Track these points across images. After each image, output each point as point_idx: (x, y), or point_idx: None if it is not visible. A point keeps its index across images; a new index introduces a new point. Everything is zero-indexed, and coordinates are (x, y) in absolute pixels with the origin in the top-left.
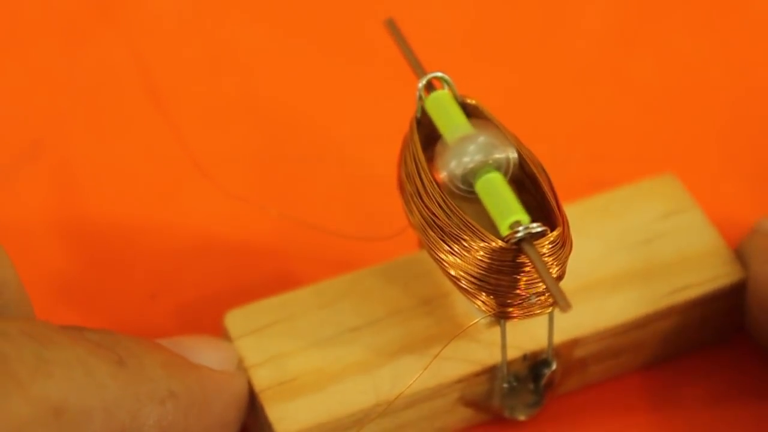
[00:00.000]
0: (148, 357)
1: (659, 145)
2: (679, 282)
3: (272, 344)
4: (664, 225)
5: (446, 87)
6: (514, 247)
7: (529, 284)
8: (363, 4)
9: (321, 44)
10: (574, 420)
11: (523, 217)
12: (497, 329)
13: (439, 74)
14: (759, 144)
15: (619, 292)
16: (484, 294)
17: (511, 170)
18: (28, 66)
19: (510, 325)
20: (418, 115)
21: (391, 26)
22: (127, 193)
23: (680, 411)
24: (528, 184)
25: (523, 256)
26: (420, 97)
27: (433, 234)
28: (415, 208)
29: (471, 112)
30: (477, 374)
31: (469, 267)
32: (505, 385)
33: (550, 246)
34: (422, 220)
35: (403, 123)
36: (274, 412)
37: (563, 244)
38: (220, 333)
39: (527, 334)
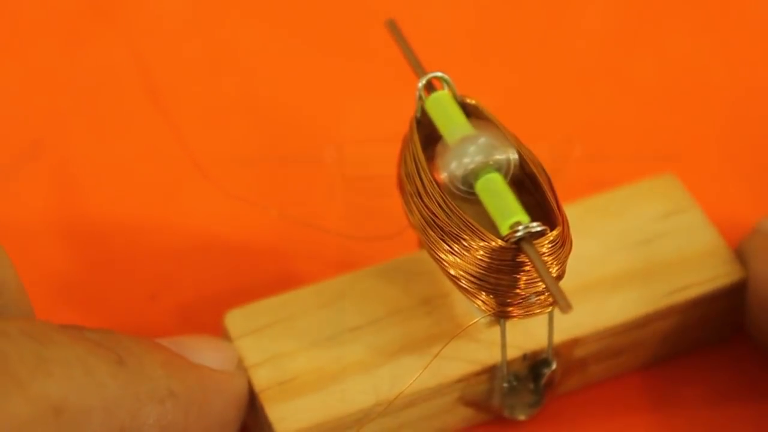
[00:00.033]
0: (148, 356)
1: (659, 145)
2: (679, 282)
3: (272, 344)
4: (664, 225)
5: (446, 87)
6: (513, 246)
7: (529, 283)
8: (363, 4)
9: (321, 44)
10: (574, 420)
11: (523, 217)
12: (497, 329)
13: (439, 74)
14: (759, 144)
15: (619, 291)
16: (483, 293)
17: (511, 171)
18: (28, 66)
19: (510, 325)
20: (418, 115)
21: (392, 26)
22: (127, 193)
23: (680, 411)
24: (528, 184)
25: (522, 256)
26: (420, 97)
27: (432, 233)
28: (414, 208)
29: (471, 112)
30: (477, 374)
31: (469, 266)
32: (505, 385)
33: (549, 245)
34: (422, 220)
35: (403, 123)
36: (274, 412)
37: (563, 244)
38: (220, 333)
39: (527, 334)
